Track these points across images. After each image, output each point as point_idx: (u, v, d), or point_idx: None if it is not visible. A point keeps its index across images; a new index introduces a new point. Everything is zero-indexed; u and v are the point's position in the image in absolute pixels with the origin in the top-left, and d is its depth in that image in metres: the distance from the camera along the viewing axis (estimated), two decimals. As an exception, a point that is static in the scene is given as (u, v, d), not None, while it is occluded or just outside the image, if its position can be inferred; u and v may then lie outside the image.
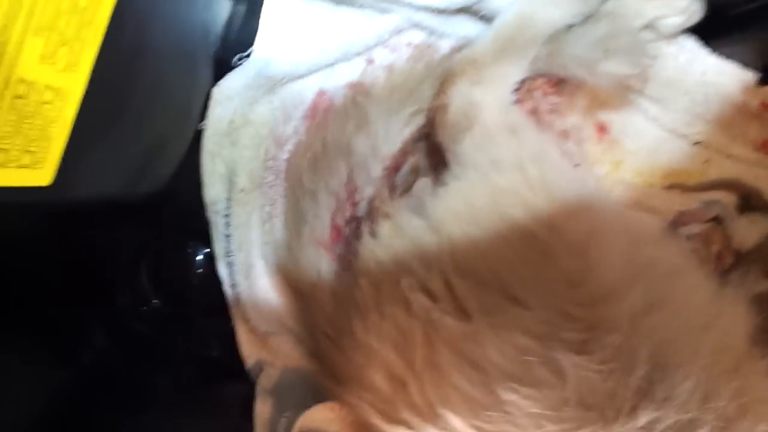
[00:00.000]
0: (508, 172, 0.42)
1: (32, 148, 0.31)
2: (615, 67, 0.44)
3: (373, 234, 0.45)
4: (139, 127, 0.43)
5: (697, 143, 0.52)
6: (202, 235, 0.53)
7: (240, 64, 0.49)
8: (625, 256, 0.40)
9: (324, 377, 0.44)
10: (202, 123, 0.50)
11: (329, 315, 0.46)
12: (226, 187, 0.51)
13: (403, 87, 0.50)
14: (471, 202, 0.42)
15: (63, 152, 0.33)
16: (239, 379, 0.50)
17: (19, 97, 0.28)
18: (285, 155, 0.52)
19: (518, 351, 0.36)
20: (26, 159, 0.30)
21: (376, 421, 0.37)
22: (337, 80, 0.51)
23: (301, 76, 0.50)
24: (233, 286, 0.52)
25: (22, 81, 0.28)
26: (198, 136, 0.50)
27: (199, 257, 0.54)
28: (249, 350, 0.51)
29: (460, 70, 0.46)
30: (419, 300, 0.40)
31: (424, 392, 0.36)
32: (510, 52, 0.46)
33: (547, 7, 0.45)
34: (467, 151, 0.44)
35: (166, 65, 0.44)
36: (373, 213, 0.48)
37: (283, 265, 0.51)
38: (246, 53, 0.50)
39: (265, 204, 0.52)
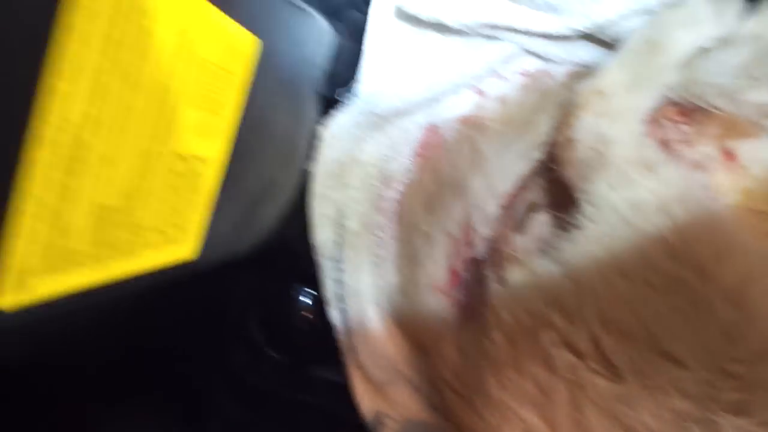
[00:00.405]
0: (651, 214, 0.39)
1: (183, 224, 0.29)
2: (762, 96, 0.41)
3: (502, 282, 0.42)
4: (247, 174, 0.42)
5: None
6: (311, 280, 0.51)
7: (344, 100, 0.48)
8: None
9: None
10: (309, 164, 0.48)
11: (455, 368, 0.44)
12: (336, 230, 0.50)
13: (518, 119, 0.48)
14: (611, 249, 0.39)
15: (204, 220, 0.32)
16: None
17: (176, 173, 0.27)
18: (395, 195, 0.50)
19: (676, 415, 0.34)
20: (178, 235, 0.29)
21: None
22: (447, 114, 0.49)
23: (409, 112, 0.48)
24: (347, 333, 0.50)
25: (179, 157, 0.27)
26: (305, 178, 0.49)
27: (308, 302, 0.53)
28: (366, 400, 0.49)
29: (585, 102, 0.43)
30: (563, 357, 0.37)
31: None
32: (639, 81, 0.43)
33: (677, 30, 0.42)
34: (601, 191, 0.41)
35: (273, 110, 0.42)
36: (497, 257, 0.45)
37: (399, 312, 0.49)
38: (351, 89, 0.48)
39: (376, 247, 0.50)
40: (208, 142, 0.29)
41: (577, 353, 0.38)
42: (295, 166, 0.49)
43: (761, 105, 0.41)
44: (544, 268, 0.41)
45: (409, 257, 0.49)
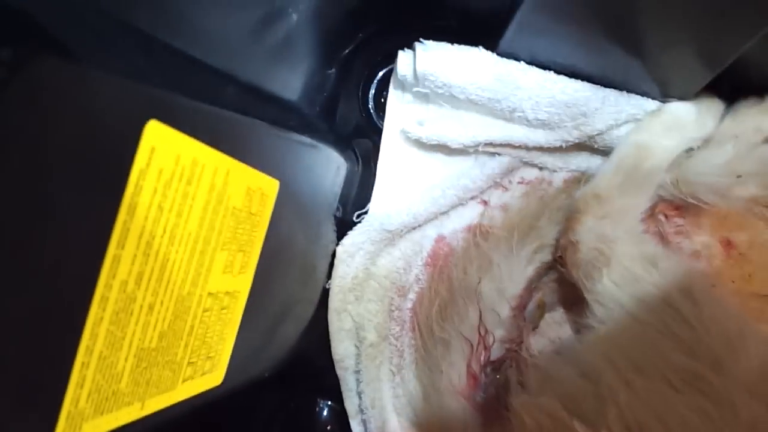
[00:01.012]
0: (658, 309, 0.40)
1: (212, 354, 0.31)
2: (748, 191, 0.43)
3: (524, 386, 0.43)
4: (270, 299, 0.44)
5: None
6: (332, 393, 0.53)
7: (359, 221, 0.51)
8: None
9: None
10: (327, 282, 0.51)
11: None
12: (354, 342, 0.51)
13: (521, 225, 0.50)
14: (625, 348, 0.40)
15: (231, 348, 0.34)
16: None
17: (207, 310, 0.29)
18: (409, 304, 0.52)
19: None
20: (208, 365, 0.31)
21: None
22: (454, 225, 0.52)
23: (419, 226, 0.51)
24: (369, 444, 0.51)
25: (210, 295, 0.29)
26: (323, 295, 0.51)
27: (327, 415, 0.53)
28: None
29: (585, 206, 0.46)
30: None
31: None
32: (633, 183, 0.45)
33: (663, 135, 0.45)
34: (608, 289, 0.43)
35: (293, 235, 0.45)
36: (516, 362, 0.46)
37: (422, 420, 0.50)
38: (364, 210, 0.51)
39: (393, 356, 0.52)
40: (236, 278, 0.31)
41: None
42: (314, 285, 0.51)
43: (748, 199, 0.44)
44: (561, 371, 0.42)
45: (428, 365, 0.50)
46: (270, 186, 0.33)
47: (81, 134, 0.19)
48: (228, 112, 0.28)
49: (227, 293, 0.31)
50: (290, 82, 0.42)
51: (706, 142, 0.46)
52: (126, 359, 0.23)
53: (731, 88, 0.45)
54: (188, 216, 0.25)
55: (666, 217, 0.49)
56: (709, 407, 0.37)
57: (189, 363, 0.29)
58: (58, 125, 0.18)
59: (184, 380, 0.29)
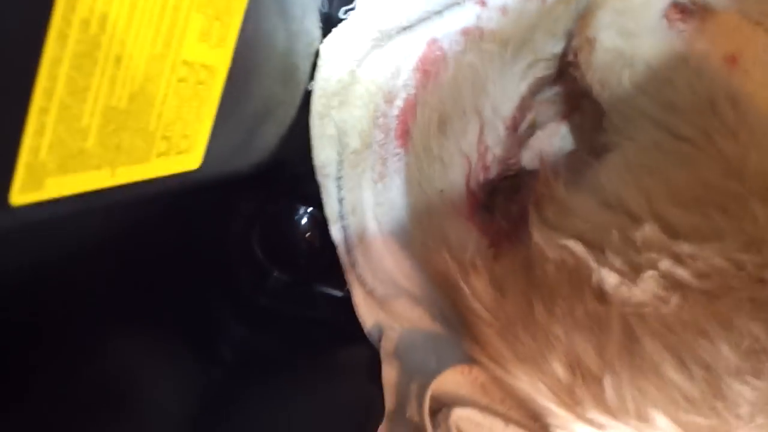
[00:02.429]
0: (696, 116, 0.35)
1: (188, 132, 0.29)
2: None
3: (545, 221, 0.39)
4: (247, 93, 0.41)
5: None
6: (312, 200, 0.52)
7: (346, 18, 0.47)
8: None
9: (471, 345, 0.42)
10: (309, 83, 0.48)
11: (488, 301, 0.40)
12: (337, 149, 0.50)
13: (517, 36, 0.47)
14: (653, 170, 0.36)
15: (211, 131, 0.32)
16: (362, 343, 0.49)
17: (182, 80, 0.26)
18: (395, 111, 0.50)
19: (752, 341, 0.30)
20: (184, 144, 0.29)
21: (551, 405, 0.35)
22: (448, 27, 0.48)
23: (410, 27, 0.47)
24: (348, 250, 0.51)
25: (185, 63, 0.26)
26: (306, 97, 0.48)
27: (307, 221, 0.53)
28: (366, 313, 0.50)
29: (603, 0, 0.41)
30: (620, 292, 0.34)
31: (620, 389, 0.32)
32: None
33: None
34: (630, 96, 0.38)
35: (274, 25, 0.41)
36: (535, 196, 0.43)
37: (420, 240, 0.48)
38: (352, 5, 0.47)
39: (375, 164, 0.50)
40: (213, 50, 0.29)
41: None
42: (295, 86, 0.48)
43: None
44: (580, 203, 0.39)
45: (423, 185, 0.48)
46: (251, -53, 0.29)
47: None
48: None
49: (204, 66, 0.28)
50: None
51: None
52: (92, 115, 0.21)
53: None
54: (156, -44, 0.21)
55: (668, 20, 0.46)
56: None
57: (163, 137, 0.27)
58: None
59: (159, 155, 0.27)
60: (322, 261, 0.52)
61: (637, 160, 0.37)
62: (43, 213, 0.20)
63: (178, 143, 0.28)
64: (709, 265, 0.32)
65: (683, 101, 0.36)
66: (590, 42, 0.41)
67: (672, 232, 0.33)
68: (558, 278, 0.37)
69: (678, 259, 0.32)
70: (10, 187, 0.18)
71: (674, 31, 0.45)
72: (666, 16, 0.44)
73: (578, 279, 0.36)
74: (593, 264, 0.35)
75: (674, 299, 0.32)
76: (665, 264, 0.33)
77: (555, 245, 0.37)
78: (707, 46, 0.46)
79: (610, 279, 0.34)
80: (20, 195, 0.19)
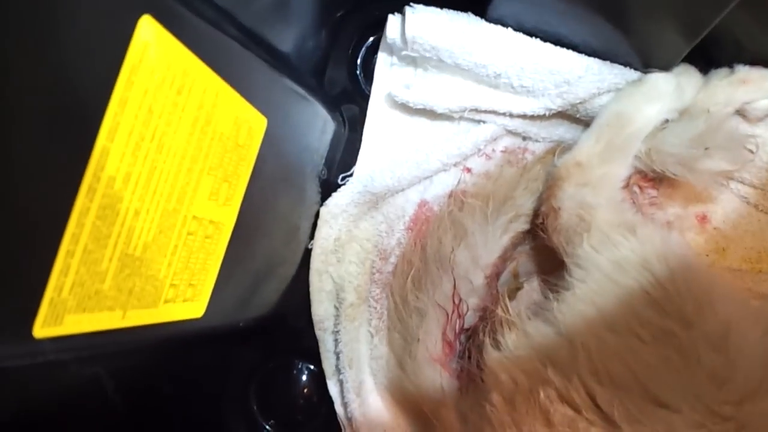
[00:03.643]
0: (634, 272, 0.42)
1: (194, 282, 0.32)
2: (715, 165, 0.45)
3: (498, 346, 0.44)
4: (253, 251, 0.45)
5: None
6: (311, 354, 0.53)
7: (344, 183, 0.51)
8: (763, 347, 0.39)
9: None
10: (309, 242, 0.51)
11: None
12: (334, 303, 0.52)
13: (497, 194, 0.51)
14: (601, 306, 0.41)
15: (215, 283, 0.34)
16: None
17: (191, 233, 0.29)
18: (390, 268, 0.53)
19: None
20: (189, 292, 0.31)
21: None
22: (437, 190, 0.52)
23: (402, 189, 0.52)
24: (344, 404, 0.51)
25: (194, 218, 0.29)
26: (305, 255, 0.51)
27: (305, 376, 0.54)
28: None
29: (566, 174, 0.46)
30: (561, 411, 0.39)
31: None
32: (613, 151, 0.46)
33: (643, 104, 0.46)
34: (587, 254, 0.44)
35: (278, 190, 0.46)
36: (491, 323, 0.47)
37: (398, 385, 0.50)
38: (349, 172, 0.52)
39: (372, 318, 0.52)
40: (221, 208, 0.32)
41: (574, 407, 0.39)
42: (297, 245, 0.51)
43: (713, 171, 0.45)
44: (538, 329, 0.43)
45: (404, 333, 0.51)
46: (258, 121, 0.33)
47: (77, 16, 0.19)
48: (226, 37, 0.28)
49: (212, 222, 0.31)
50: (285, 36, 0.43)
51: (682, 114, 0.47)
52: (110, 260, 0.24)
53: (706, 61, 0.46)
54: (177, 127, 0.25)
55: (640, 188, 0.50)
56: (675, 357, 0.39)
57: (171, 284, 0.29)
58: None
59: (166, 301, 0.29)
60: (318, 417, 0.52)
61: (588, 300, 0.42)
62: (60, 347, 0.22)
63: (184, 291, 0.31)
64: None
65: (626, 261, 0.42)
66: (555, 210, 0.46)
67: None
68: (505, 407, 0.41)
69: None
70: (35, 320, 0.21)
71: (640, 197, 0.50)
72: (636, 183, 0.49)
73: (526, 403, 0.39)
74: (545, 371, 0.39)
75: None
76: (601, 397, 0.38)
77: (509, 365, 0.42)
78: (678, 209, 0.50)
79: (557, 407, 0.38)
80: (42, 328, 0.21)
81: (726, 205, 0.52)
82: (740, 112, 0.47)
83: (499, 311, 0.47)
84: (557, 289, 0.45)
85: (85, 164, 0.21)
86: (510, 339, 0.44)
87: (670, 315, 0.40)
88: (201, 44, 0.25)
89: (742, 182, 0.51)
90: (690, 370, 0.39)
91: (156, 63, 0.23)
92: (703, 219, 0.52)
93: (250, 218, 0.38)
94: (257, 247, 0.45)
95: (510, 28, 0.46)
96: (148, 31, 0.22)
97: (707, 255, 0.52)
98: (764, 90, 0.45)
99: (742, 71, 0.45)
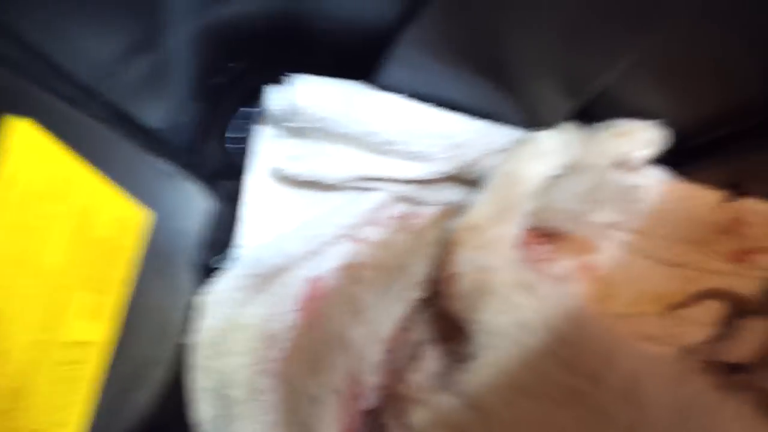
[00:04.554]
0: (540, 332, 0.41)
1: (65, 420, 0.25)
2: (605, 217, 0.46)
3: (406, 428, 0.41)
4: (119, 358, 0.38)
5: (677, 265, 0.54)
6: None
7: (222, 266, 0.46)
8: (670, 396, 0.40)
9: None
10: (185, 337, 0.45)
11: None
12: (219, 402, 0.46)
13: (393, 263, 0.49)
14: (509, 371, 0.41)
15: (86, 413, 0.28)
16: None
17: (63, 365, 0.23)
18: (281, 354, 0.47)
19: None
20: (59, 436, 0.25)
21: None
22: (329, 264, 0.49)
23: (291, 267, 0.48)
24: None
25: (65, 345, 0.23)
26: (180, 352, 0.45)
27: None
28: None
29: (462, 238, 0.45)
30: None
31: None
32: (505, 211, 0.46)
33: (529, 162, 0.47)
34: (490, 318, 0.43)
35: (149, 284, 0.39)
36: (394, 403, 0.44)
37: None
38: (228, 254, 0.46)
39: (264, 413, 0.46)
40: (94, 324, 0.26)
41: None
42: (169, 342, 0.45)
43: (603, 224, 0.46)
44: (447, 403, 0.41)
45: (298, 426, 0.46)
46: (136, 217, 0.28)
47: None
48: (99, 124, 0.23)
49: (84, 344, 0.25)
50: (154, 110, 0.37)
51: (569, 169, 0.48)
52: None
53: (587, 117, 0.47)
54: (47, 242, 0.20)
55: (533, 244, 0.50)
56: (588, 416, 0.38)
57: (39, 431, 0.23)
58: None
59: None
60: None
61: (496, 366, 0.41)
62: None
63: (52, 436, 0.24)
64: None
65: (529, 322, 0.41)
66: (453, 276, 0.44)
67: None
68: None
69: None
70: None
71: (533, 254, 0.49)
72: (529, 240, 0.49)
73: None
74: None
75: None
76: None
77: None
78: (567, 261, 0.51)
79: None
80: None
81: (608, 253, 0.53)
82: (621, 164, 0.48)
83: (402, 389, 0.44)
84: (461, 357, 0.44)
85: None
86: (417, 418, 0.42)
87: (578, 373, 0.40)
88: (73, 137, 0.20)
89: (621, 230, 0.53)
90: (604, 427, 0.38)
91: (30, 170, 0.17)
92: (589, 268, 0.53)
93: (119, 324, 0.32)
94: (124, 356, 0.38)
95: (399, 95, 0.44)
96: (22, 137, 0.16)
97: (598, 302, 0.53)
98: (640, 141, 0.47)
99: (620, 125, 0.47)
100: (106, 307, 0.27)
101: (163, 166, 0.34)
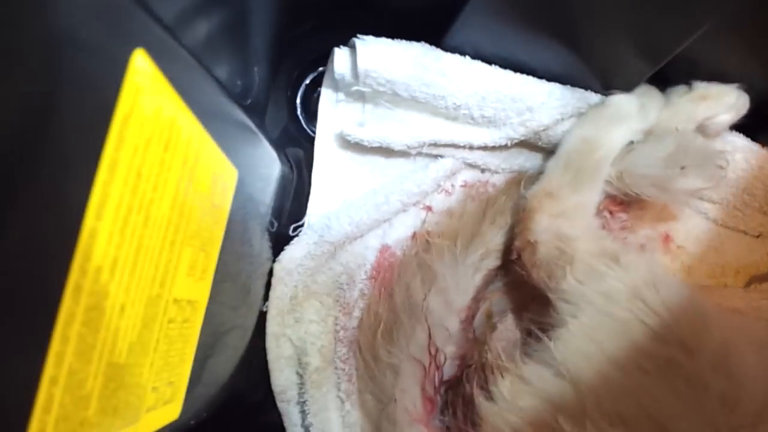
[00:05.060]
0: (625, 302, 0.40)
1: (173, 379, 0.26)
2: (691, 183, 0.44)
3: (491, 397, 0.41)
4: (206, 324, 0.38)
5: (758, 236, 0.53)
6: (271, 431, 0.47)
7: (296, 234, 0.46)
8: (762, 364, 0.39)
9: None
10: (264, 304, 0.46)
11: None
12: (296, 370, 0.46)
13: (464, 231, 0.48)
14: (599, 341, 0.39)
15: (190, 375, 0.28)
16: None
17: (171, 321, 0.24)
18: (355, 323, 0.48)
19: None
20: (169, 393, 0.25)
21: None
22: (398, 234, 0.49)
23: (361, 236, 0.47)
24: (319, 485, 0.46)
25: (175, 302, 0.24)
26: (260, 319, 0.46)
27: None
28: None
29: (538, 206, 0.44)
30: None
31: None
32: (583, 178, 0.45)
33: (608, 127, 0.45)
34: (573, 287, 0.42)
35: (236, 249, 0.40)
36: (477, 372, 0.44)
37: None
38: (301, 222, 0.47)
39: (341, 381, 0.47)
40: (197, 284, 0.26)
41: None
42: (247, 310, 0.45)
43: (690, 191, 0.44)
44: (536, 372, 0.40)
45: (377, 395, 0.46)
46: (230, 175, 0.28)
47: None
48: (204, 72, 0.23)
49: (189, 302, 0.26)
50: (227, 69, 0.37)
51: (647, 134, 0.46)
52: (95, 377, 0.18)
53: (661, 80, 0.46)
54: (163, 192, 0.20)
55: (611, 213, 0.49)
56: (682, 387, 0.37)
57: (153, 388, 0.23)
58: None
59: (148, 410, 0.23)
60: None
61: (584, 336, 0.40)
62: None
63: (164, 393, 0.25)
64: None
65: (616, 291, 0.40)
66: (532, 244, 0.44)
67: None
68: None
69: None
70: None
71: (611, 222, 0.48)
72: (606, 208, 0.48)
73: None
74: (555, 422, 0.37)
75: None
76: None
77: (511, 417, 0.39)
78: (647, 230, 0.49)
79: None
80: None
81: (687, 223, 0.52)
82: (699, 128, 0.47)
83: (489, 357, 0.43)
84: (545, 326, 0.43)
85: (71, 255, 0.15)
86: (504, 387, 0.41)
87: (670, 343, 0.39)
88: (184, 83, 0.20)
89: (701, 198, 0.51)
90: (699, 397, 0.37)
91: (147, 112, 0.17)
92: (666, 238, 0.52)
93: (213, 288, 0.32)
94: (207, 319, 0.39)
95: (468, 57, 0.43)
96: (141, 70, 0.17)
97: (674, 274, 0.52)
98: (723, 105, 0.45)
99: (701, 87, 0.45)
100: (209, 267, 0.27)
101: (246, 121, 0.34)
